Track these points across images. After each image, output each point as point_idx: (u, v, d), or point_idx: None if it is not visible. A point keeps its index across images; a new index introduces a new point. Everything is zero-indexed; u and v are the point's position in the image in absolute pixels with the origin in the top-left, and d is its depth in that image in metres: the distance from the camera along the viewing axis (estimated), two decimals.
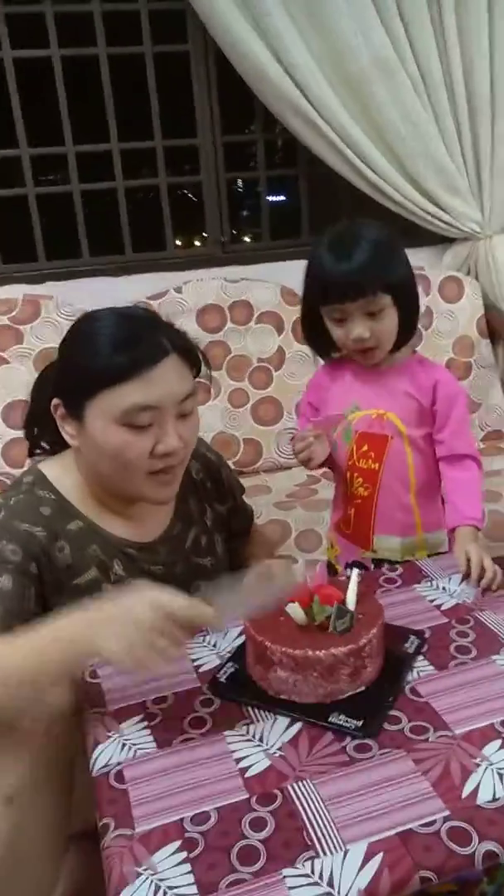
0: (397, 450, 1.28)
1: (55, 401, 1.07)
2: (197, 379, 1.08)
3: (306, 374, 2.28)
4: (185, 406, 1.05)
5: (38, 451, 1.19)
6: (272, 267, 2.39)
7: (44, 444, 1.18)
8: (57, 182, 2.66)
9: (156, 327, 1.05)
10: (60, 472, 1.12)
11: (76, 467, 1.11)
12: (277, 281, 2.32)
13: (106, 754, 0.84)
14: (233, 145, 2.48)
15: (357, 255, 1.16)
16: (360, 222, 1.24)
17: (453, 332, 2.36)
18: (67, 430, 1.07)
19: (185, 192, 4.12)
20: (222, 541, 1.28)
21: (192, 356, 1.07)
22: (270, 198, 2.75)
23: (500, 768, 0.78)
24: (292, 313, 2.30)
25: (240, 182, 3.55)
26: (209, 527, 1.25)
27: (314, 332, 1.29)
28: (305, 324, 1.31)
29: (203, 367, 1.10)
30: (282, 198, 2.76)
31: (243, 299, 2.26)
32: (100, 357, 1.01)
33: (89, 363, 1.02)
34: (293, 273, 2.35)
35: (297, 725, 0.86)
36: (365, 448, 1.30)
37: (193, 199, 4.01)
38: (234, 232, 3.12)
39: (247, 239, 2.91)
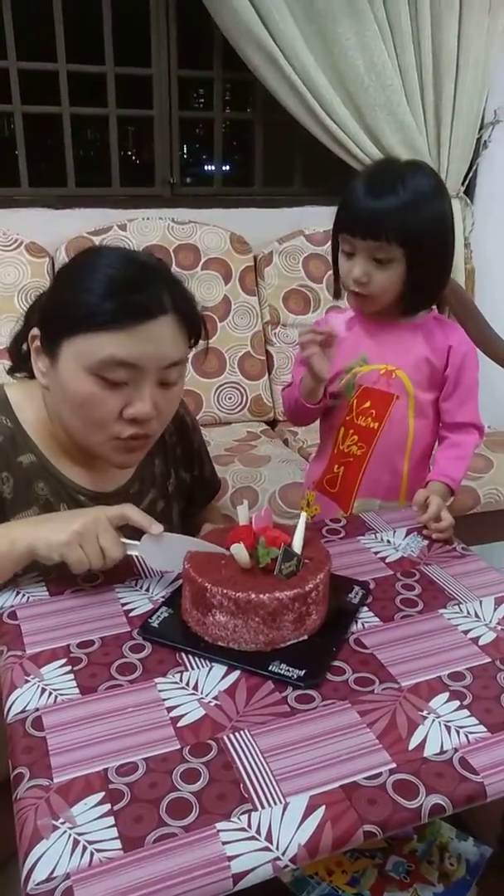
0: (401, 411, 1.22)
1: (34, 331, 0.97)
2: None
3: (252, 327, 2.22)
4: (168, 373, 0.95)
5: (18, 373, 1.09)
6: (222, 213, 2.30)
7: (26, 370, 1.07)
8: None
9: (160, 280, 0.94)
10: (25, 400, 1.03)
11: (42, 402, 1.02)
12: (227, 228, 2.22)
13: (23, 699, 0.76)
14: (187, 91, 2.35)
15: (386, 196, 1.10)
16: (417, 164, 1.17)
17: None
18: (39, 366, 0.97)
19: (132, 154, 3.95)
20: (179, 510, 1.20)
21: (193, 322, 0.98)
22: (218, 167, 2.64)
23: (447, 721, 0.74)
24: (241, 262, 2.21)
25: (185, 149, 3.40)
26: (169, 493, 1.17)
27: (337, 264, 1.22)
28: (334, 252, 1.23)
29: (202, 337, 1.01)
30: (228, 168, 2.64)
31: (190, 242, 2.16)
32: (90, 295, 0.90)
33: (77, 298, 0.91)
34: (244, 221, 2.29)
35: (235, 674, 0.80)
36: (367, 405, 1.23)
37: (137, 161, 3.85)
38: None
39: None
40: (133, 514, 0.93)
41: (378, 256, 1.13)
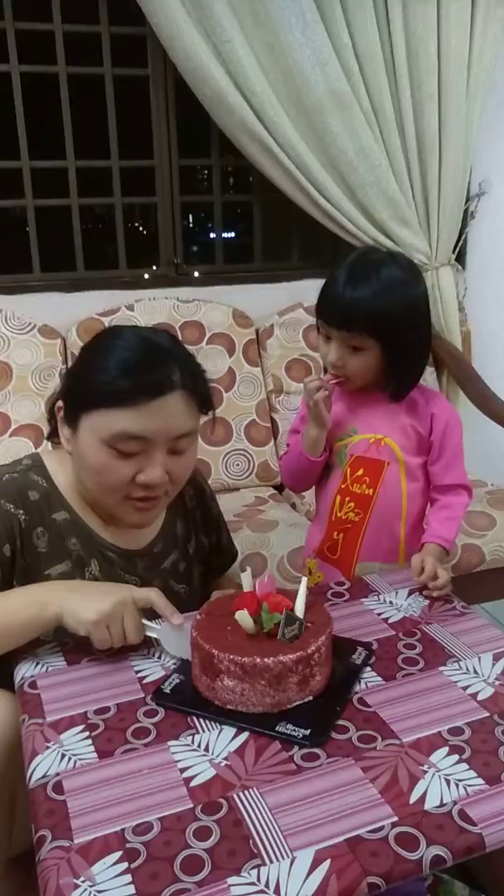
0: (393, 476, 1.28)
1: (59, 403, 1.07)
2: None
3: (257, 396, 2.30)
4: (178, 443, 1.03)
5: (56, 438, 1.16)
6: (224, 290, 2.41)
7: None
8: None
9: (172, 358, 1.02)
10: (58, 465, 1.11)
11: (72, 466, 1.10)
12: (230, 303, 2.33)
13: (44, 765, 0.80)
14: (189, 173, 2.50)
15: (360, 288, 1.15)
16: (393, 255, 1.22)
17: None
18: (64, 433, 1.06)
19: (139, 225, 4.14)
20: (200, 573, 1.26)
21: (203, 395, 1.06)
22: (230, 234, 2.80)
23: (447, 774, 0.77)
24: (244, 335, 2.31)
25: (191, 218, 3.58)
26: (190, 554, 1.24)
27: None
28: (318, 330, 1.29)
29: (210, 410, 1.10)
30: (232, 235, 2.80)
31: (195, 320, 2.26)
32: (106, 375, 1.00)
33: (94, 378, 1.01)
34: (245, 296, 2.40)
35: (244, 735, 0.84)
36: (360, 472, 1.29)
37: (144, 231, 4.02)
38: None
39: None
40: (158, 600, 1.00)
41: (352, 344, 1.19)
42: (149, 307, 2.24)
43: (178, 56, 2.09)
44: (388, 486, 1.28)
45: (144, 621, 1.00)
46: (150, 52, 2.29)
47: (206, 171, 2.57)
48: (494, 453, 2.48)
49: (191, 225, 3.84)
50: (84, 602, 0.95)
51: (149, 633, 1.00)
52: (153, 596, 1.00)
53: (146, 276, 2.47)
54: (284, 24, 2.06)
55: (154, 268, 2.51)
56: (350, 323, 1.17)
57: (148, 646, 1.02)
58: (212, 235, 2.66)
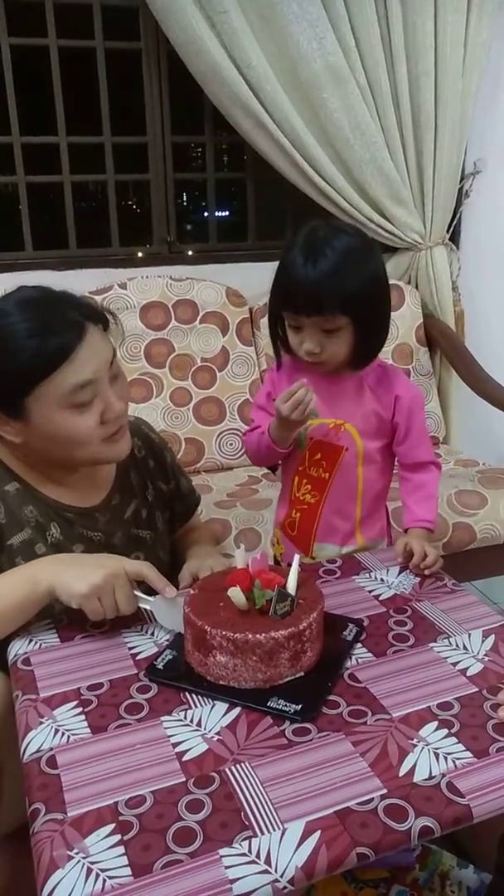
0: (350, 461, 1.27)
1: None
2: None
3: (250, 376, 2.30)
4: (114, 368, 1.07)
5: None
6: (218, 268, 2.39)
7: None
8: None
9: (65, 305, 1.04)
10: None
11: (10, 455, 1.11)
12: (223, 282, 2.32)
13: (38, 740, 0.81)
14: (182, 150, 2.48)
15: (322, 266, 1.12)
16: (336, 227, 1.19)
17: (393, 339, 2.40)
18: (8, 431, 1.05)
19: (132, 203, 4.09)
20: (164, 518, 1.29)
21: (102, 318, 1.08)
22: (215, 213, 2.77)
23: (436, 748, 0.79)
24: (237, 314, 2.30)
25: (185, 196, 3.54)
26: (150, 501, 1.26)
27: (278, 331, 1.26)
28: (271, 320, 1.27)
29: (111, 321, 1.10)
30: (226, 213, 2.77)
31: (188, 298, 2.25)
32: (23, 354, 0.99)
33: (13, 365, 1.00)
34: (239, 275, 2.39)
35: (236, 710, 0.85)
36: (318, 456, 1.28)
37: (137, 210, 3.98)
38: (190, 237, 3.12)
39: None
40: (150, 573, 1.01)
41: (326, 327, 1.16)
42: (141, 285, 2.23)
43: (172, 28, 2.05)
44: (345, 470, 1.27)
45: (137, 593, 1.01)
46: (142, 25, 2.25)
47: (200, 149, 2.54)
48: (486, 433, 2.49)
49: (184, 203, 3.81)
50: (75, 575, 0.96)
51: (141, 605, 1.01)
52: (145, 570, 1.01)
53: (139, 254, 2.45)
54: None
55: (147, 246, 2.49)
56: (323, 307, 1.14)
57: (141, 622, 1.03)
58: (206, 214, 2.64)
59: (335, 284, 1.13)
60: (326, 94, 2.16)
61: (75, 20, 2.25)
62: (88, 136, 2.37)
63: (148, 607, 1.02)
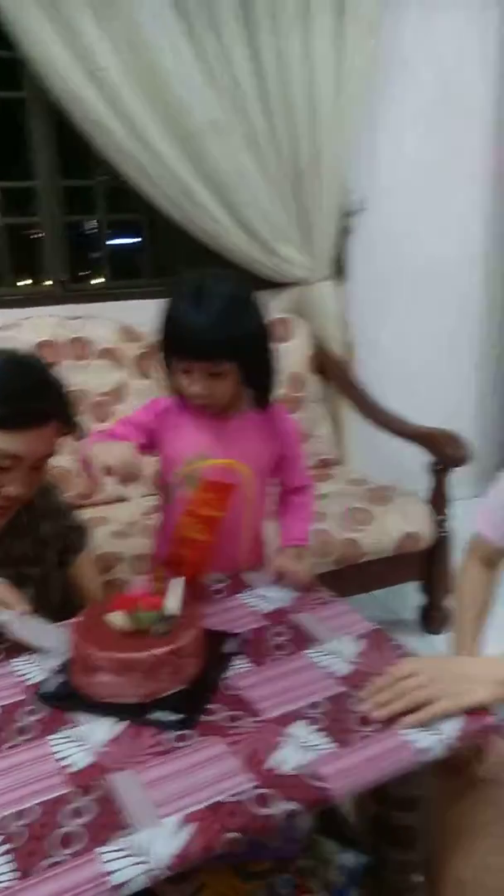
0: (240, 499, 1.29)
1: None
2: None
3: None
4: (42, 462, 1.16)
5: None
6: (111, 306, 2.46)
7: None
8: None
9: (45, 387, 1.15)
10: None
11: None
12: (117, 319, 2.39)
13: None
14: (76, 188, 2.55)
15: (210, 314, 1.17)
16: (218, 276, 1.25)
17: (285, 369, 2.52)
18: None
19: (32, 233, 4.10)
20: (56, 553, 1.36)
21: (69, 420, 1.18)
22: (121, 240, 2.85)
23: (303, 742, 0.87)
24: (132, 349, 2.37)
25: (88, 224, 3.60)
26: (40, 538, 1.32)
27: (170, 370, 1.30)
28: (161, 360, 1.30)
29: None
30: (138, 239, 2.84)
31: (80, 336, 2.30)
32: None
33: None
34: (132, 312, 2.46)
35: (122, 724, 0.92)
36: (209, 496, 1.28)
37: (34, 237, 3.99)
38: (88, 272, 3.16)
39: (99, 280, 2.99)
40: (2, 592, 1.10)
41: (213, 371, 1.23)
42: (34, 325, 2.26)
43: (54, 81, 2.14)
44: (235, 507, 1.28)
45: None
46: (24, 77, 2.32)
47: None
48: (375, 454, 2.64)
49: (90, 231, 3.85)
50: None
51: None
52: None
53: (30, 295, 2.49)
54: (159, 51, 2.15)
55: (41, 282, 2.53)
56: (212, 353, 1.21)
57: (29, 651, 1.08)
58: (108, 243, 2.71)
59: (223, 331, 1.19)
60: (209, 144, 2.29)
61: None
62: None
63: (6, 617, 1.08)
